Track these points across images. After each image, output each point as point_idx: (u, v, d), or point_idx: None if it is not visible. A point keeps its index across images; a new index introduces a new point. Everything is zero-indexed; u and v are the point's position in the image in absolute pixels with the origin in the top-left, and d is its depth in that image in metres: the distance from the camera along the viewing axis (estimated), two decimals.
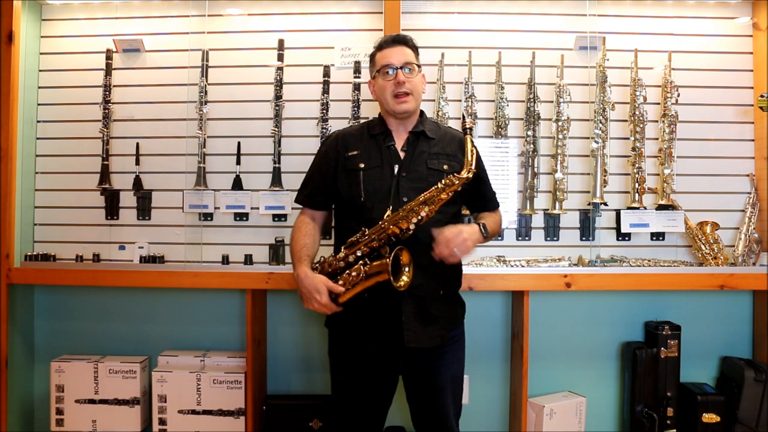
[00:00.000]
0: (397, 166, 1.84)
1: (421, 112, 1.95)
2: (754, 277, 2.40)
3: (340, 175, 1.88)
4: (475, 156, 1.77)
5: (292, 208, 2.53)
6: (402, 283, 1.71)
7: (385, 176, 1.83)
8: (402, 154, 1.86)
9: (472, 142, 1.78)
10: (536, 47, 2.57)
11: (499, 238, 2.58)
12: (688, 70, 2.61)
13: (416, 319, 1.79)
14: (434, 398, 1.87)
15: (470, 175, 1.74)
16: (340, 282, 1.76)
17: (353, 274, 1.74)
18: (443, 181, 1.74)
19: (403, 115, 1.87)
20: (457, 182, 1.73)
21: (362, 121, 2.45)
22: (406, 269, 1.73)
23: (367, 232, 1.76)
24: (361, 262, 1.75)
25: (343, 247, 1.81)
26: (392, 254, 1.69)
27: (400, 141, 1.89)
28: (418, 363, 1.86)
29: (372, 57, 1.93)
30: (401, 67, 1.83)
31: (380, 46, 1.89)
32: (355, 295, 1.76)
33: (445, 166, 1.85)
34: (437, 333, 1.83)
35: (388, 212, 1.75)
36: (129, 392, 2.46)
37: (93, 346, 2.62)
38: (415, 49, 1.90)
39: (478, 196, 1.97)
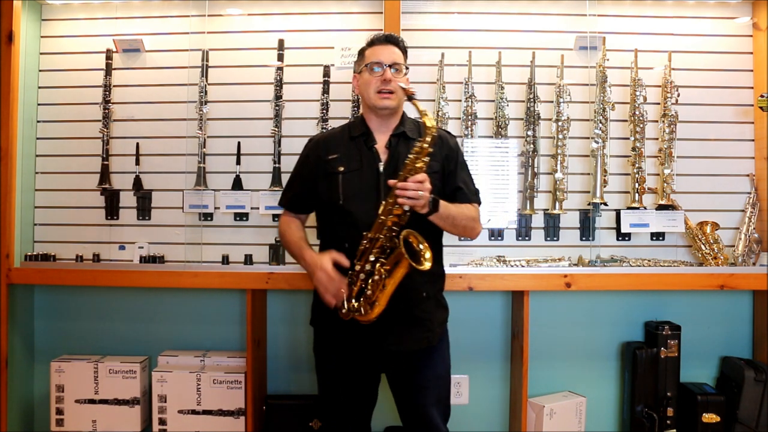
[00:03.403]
0: (381, 164, 1.84)
1: (403, 113, 1.94)
2: (754, 277, 2.40)
3: (320, 179, 1.88)
4: (431, 121, 1.72)
5: None
6: (428, 264, 1.67)
7: (366, 178, 1.82)
8: (383, 156, 1.85)
9: (418, 108, 1.74)
10: (536, 47, 2.57)
11: (500, 238, 2.58)
12: (688, 70, 2.61)
13: (400, 322, 1.79)
14: (416, 395, 1.87)
15: (435, 134, 1.71)
16: (369, 291, 1.72)
17: (375, 278, 1.71)
18: (413, 150, 1.72)
19: (384, 112, 1.86)
20: (426, 145, 1.70)
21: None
22: (422, 247, 1.69)
23: (369, 235, 1.74)
24: (377, 264, 1.72)
25: (354, 260, 1.77)
26: (401, 239, 1.66)
27: (381, 141, 1.88)
28: (400, 363, 1.86)
29: (361, 52, 1.93)
30: (390, 66, 1.84)
31: (372, 43, 1.90)
32: (390, 298, 1.72)
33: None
34: (423, 335, 1.83)
35: (382, 207, 1.73)
36: (129, 392, 2.46)
37: (93, 346, 2.62)
38: (404, 51, 1.92)
39: (454, 187, 1.90)
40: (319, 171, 1.88)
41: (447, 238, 2.51)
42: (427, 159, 1.72)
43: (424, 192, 1.68)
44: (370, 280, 1.73)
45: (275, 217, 2.58)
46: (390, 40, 1.90)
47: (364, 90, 1.88)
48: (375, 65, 1.85)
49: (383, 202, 1.73)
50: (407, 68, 1.91)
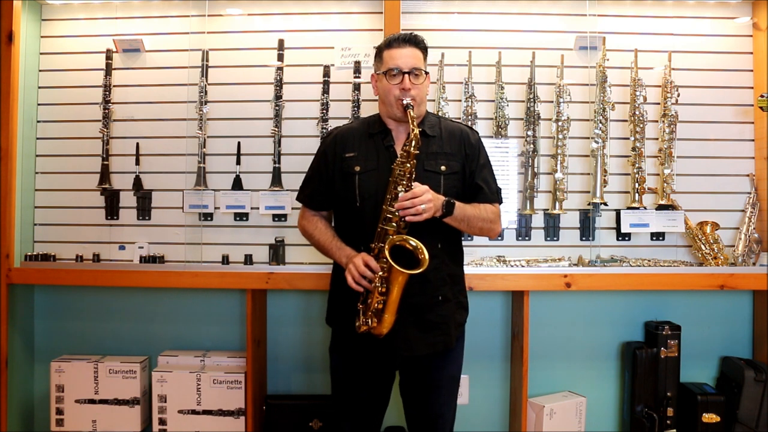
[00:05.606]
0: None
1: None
2: (754, 277, 2.40)
3: (337, 178, 1.84)
4: (413, 140, 1.71)
5: (292, 208, 2.53)
6: (425, 265, 1.65)
7: (381, 180, 1.76)
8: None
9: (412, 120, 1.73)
10: (536, 47, 2.57)
11: (499, 238, 2.58)
12: (688, 70, 2.61)
13: (414, 327, 1.77)
14: (428, 395, 1.86)
15: (418, 137, 1.71)
16: (375, 304, 1.69)
17: (378, 289, 1.68)
18: (401, 154, 1.72)
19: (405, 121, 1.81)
20: (411, 149, 1.70)
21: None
22: (411, 245, 1.67)
23: (372, 245, 1.71)
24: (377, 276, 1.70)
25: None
26: (387, 252, 1.64)
27: (399, 140, 1.82)
28: (415, 364, 1.84)
29: (379, 51, 1.84)
30: (409, 72, 1.76)
31: (389, 44, 1.80)
32: (397, 307, 1.70)
33: (443, 167, 1.80)
34: (438, 339, 1.80)
35: (381, 216, 1.71)
36: (129, 392, 2.46)
37: (93, 346, 2.62)
38: (425, 50, 1.84)
39: (474, 186, 1.86)
40: (336, 168, 1.84)
41: None
42: (414, 162, 1.70)
43: (425, 204, 1.66)
44: (375, 292, 1.69)
45: (275, 217, 2.59)
46: (409, 40, 1.79)
47: (383, 96, 1.82)
48: (393, 70, 1.77)
49: (383, 208, 1.70)
50: (427, 72, 1.83)
